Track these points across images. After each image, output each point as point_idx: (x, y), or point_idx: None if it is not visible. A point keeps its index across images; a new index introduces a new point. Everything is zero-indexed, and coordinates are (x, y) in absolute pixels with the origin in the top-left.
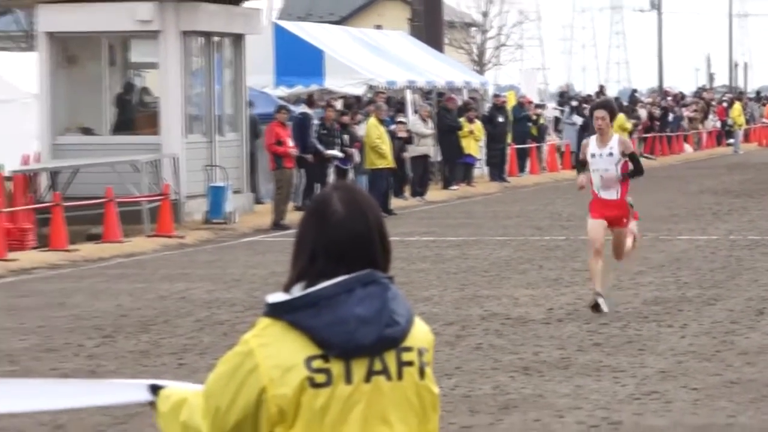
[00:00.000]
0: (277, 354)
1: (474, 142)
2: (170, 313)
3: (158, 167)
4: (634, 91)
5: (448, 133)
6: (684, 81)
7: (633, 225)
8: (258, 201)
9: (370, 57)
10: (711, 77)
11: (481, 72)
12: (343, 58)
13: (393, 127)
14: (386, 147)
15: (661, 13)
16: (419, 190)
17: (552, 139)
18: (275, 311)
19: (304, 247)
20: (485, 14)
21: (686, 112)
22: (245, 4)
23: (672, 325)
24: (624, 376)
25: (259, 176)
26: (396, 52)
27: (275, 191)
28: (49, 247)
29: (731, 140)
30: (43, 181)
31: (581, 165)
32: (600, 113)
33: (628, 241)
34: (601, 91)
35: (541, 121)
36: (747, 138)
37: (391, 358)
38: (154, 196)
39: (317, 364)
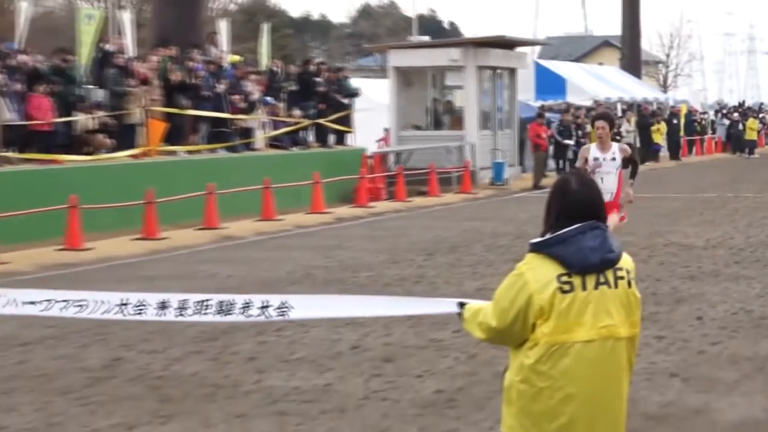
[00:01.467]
0: (539, 274)
1: (660, 135)
2: (469, 240)
3: (462, 150)
4: (761, 103)
5: (644, 129)
6: None
7: (614, 216)
8: (523, 171)
9: (595, 82)
10: None
11: (664, 91)
12: (578, 83)
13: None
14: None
15: None
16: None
17: (710, 134)
18: (537, 247)
19: (552, 211)
20: (668, 55)
21: None
22: (518, 49)
23: None
24: (754, 282)
25: (525, 155)
26: (611, 79)
27: (534, 165)
28: (394, 199)
29: None
30: (391, 158)
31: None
32: (600, 123)
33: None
34: (741, 104)
35: (703, 122)
36: None
37: (610, 273)
38: (459, 168)
39: (564, 278)
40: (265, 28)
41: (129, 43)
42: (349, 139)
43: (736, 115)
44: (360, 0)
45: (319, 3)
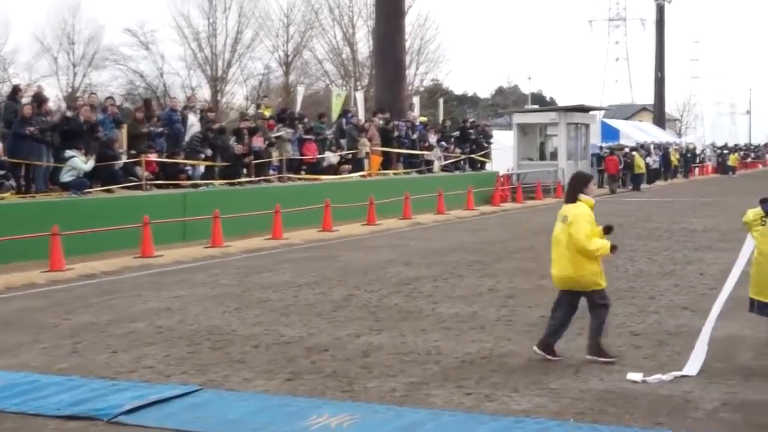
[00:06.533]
0: (753, 212)
1: (676, 161)
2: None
3: (556, 173)
4: (738, 144)
5: (667, 159)
6: (760, 140)
7: None
8: (595, 185)
9: (637, 131)
10: None
11: (679, 137)
12: (627, 132)
13: (648, 158)
14: (642, 164)
15: (750, 116)
16: (652, 182)
17: (707, 162)
18: (760, 202)
19: None
20: (681, 115)
21: (760, 152)
22: (591, 113)
23: None
24: (735, 252)
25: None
26: (647, 129)
27: (610, 183)
28: (516, 201)
29: None
30: (514, 177)
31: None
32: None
33: None
34: (726, 144)
35: (702, 155)
36: None
37: None
38: (554, 183)
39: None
40: (440, 101)
41: (360, 109)
42: (489, 166)
43: (726, 151)
44: (496, 83)
45: (472, 84)
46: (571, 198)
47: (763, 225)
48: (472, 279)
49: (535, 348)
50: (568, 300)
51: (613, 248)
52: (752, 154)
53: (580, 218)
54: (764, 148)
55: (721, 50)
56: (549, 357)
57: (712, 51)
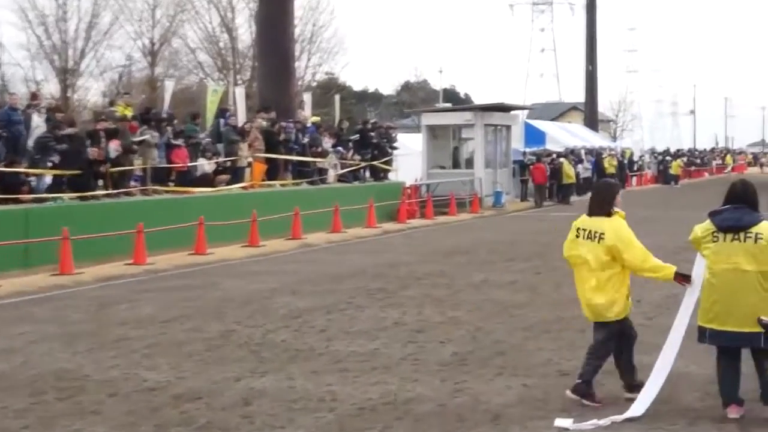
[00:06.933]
0: (702, 227)
1: (612, 169)
2: (477, 246)
3: (473, 183)
4: (681, 149)
5: (600, 167)
6: (704, 145)
7: None
8: (516, 197)
9: (565, 134)
10: (716, 143)
11: (614, 141)
12: (554, 135)
13: (578, 166)
14: (572, 173)
15: (695, 116)
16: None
17: (646, 170)
18: (709, 215)
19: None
20: (616, 116)
21: (705, 158)
22: (512, 113)
23: None
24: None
25: (520, 186)
26: (577, 132)
27: (536, 195)
28: (425, 217)
29: (725, 171)
30: (423, 188)
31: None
32: None
33: None
34: (667, 149)
35: (640, 162)
36: (732, 170)
37: (742, 234)
38: (470, 195)
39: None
40: (337, 98)
41: (240, 108)
42: (393, 176)
43: (668, 157)
44: (402, 78)
45: (373, 80)
46: (601, 210)
47: (714, 242)
48: (373, 310)
49: (569, 392)
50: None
51: (683, 277)
52: (697, 161)
53: (624, 232)
54: (711, 154)
55: (661, 39)
56: (587, 402)
57: (651, 40)
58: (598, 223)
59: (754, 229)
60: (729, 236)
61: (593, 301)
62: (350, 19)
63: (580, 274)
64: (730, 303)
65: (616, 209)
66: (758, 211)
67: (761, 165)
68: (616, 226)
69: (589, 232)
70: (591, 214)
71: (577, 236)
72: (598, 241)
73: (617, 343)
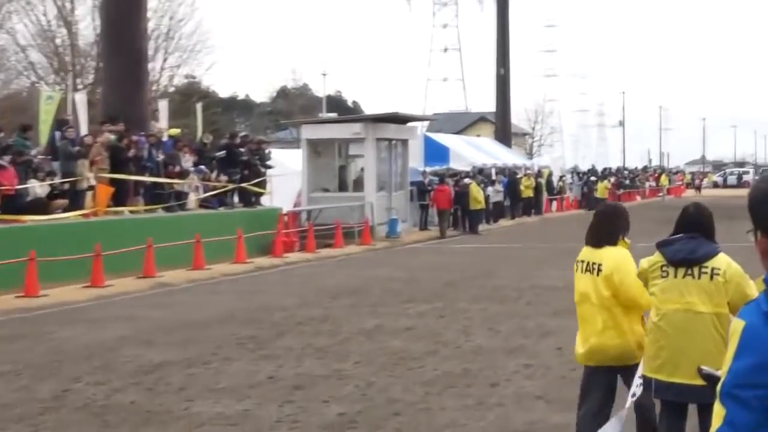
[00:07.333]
0: (649, 260)
1: (529, 192)
2: (368, 285)
3: (363, 208)
4: (609, 168)
5: (514, 189)
6: (636, 163)
7: None
8: (414, 225)
9: (473, 151)
10: (650, 161)
11: (530, 158)
12: (459, 152)
13: (488, 189)
14: (481, 197)
15: (624, 128)
16: (495, 221)
17: (567, 193)
18: (657, 246)
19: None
20: (533, 128)
21: (637, 179)
22: (409, 124)
23: None
24: None
25: (410, 212)
26: (487, 148)
27: (440, 223)
28: (305, 250)
29: (660, 194)
30: (303, 216)
31: None
32: None
33: None
34: (592, 167)
35: (561, 184)
36: (668, 192)
37: (696, 269)
38: (360, 223)
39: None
40: (199, 107)
41: (82, 119)
42: (268, 200)
43: (593, 178)
44: (278, 82)
45: (243, 85)
46: (606, 239)
47: (663, 277)
48: (243, 363)
49: None
50: (603, 380)
51: None
52: (627, 182)
53: (623, 262)
54: (643, 174)
55: (584, 39)
56: None
57: (573, 40)
58: (598, 253)
59: (711, 263)
60: (681, 271)
61: (598, 341)
62: (216, 12)
63: (583, 313)
64: (680, 350)
65: (625, 240)
66: (714, 241)
67: (697, 188)
68: (616, 255)
69: (588, 264)
70: (594, 244)
71: (576, 269)
72: (597, 274)
73: (610, 393)
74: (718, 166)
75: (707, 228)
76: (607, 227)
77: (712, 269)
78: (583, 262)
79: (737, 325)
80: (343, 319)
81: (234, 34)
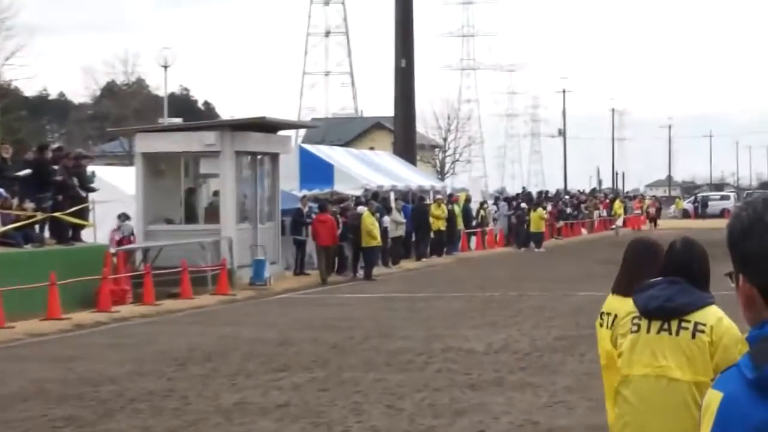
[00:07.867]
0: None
1: (441, 223)
2: (226, 348)
3: (218, 246)
4: (547, 192)
5: (421, 220)
6: (581, 185)
7: None
8: (287, 269)
9: (365, 169)
10: (600, 182)
11: (442, 179)
12: (347, 170)
13: (385, 219)
14: (377, 231)
15: (565, 138)
16: (396, 263)
17: (491, 225)
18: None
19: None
20: (445, 139)
21: (582, 206)
22: (279, 133)
23: (573, 354)
24: (540, 390)
25: (282, 251)
26: (384, 165)
27: (319, 261)
28: (141, 302)
29: (613, 226)
30: (138, 256)
31: None
32: None
33: None
34: (524, 191)
35: (483, 213)
36: (624, 224)
37: (675, 322)
38: (215, 266)
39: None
40: None
41: None
42: (90, 235)
43: (524, 204)
44: (103, 77)
45: (57, 80)
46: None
47: (633, 332)
48: None
49: None
50: None
51: None
52: (570, 210)
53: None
54: (591, 200)
55: (513, 20)
56: None
57: (497, 19)
58: (618, 303)
59: (694, 317)
60: (656, 325)
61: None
62: None
63: (609, 377)
64: (649, 427)
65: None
66: (707, 289)
67: (652, 219)
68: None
69: (611, 317)
70: (623, 291)
71: (601, 325)
72: (609, 327)
73: None
74: (689, 188)
75: (696, 272)
76: (639, 268)
77: (695, 324)
78: (607, 314)
79: (713, 397)
80: (193, 394)
81: (44, 12)
